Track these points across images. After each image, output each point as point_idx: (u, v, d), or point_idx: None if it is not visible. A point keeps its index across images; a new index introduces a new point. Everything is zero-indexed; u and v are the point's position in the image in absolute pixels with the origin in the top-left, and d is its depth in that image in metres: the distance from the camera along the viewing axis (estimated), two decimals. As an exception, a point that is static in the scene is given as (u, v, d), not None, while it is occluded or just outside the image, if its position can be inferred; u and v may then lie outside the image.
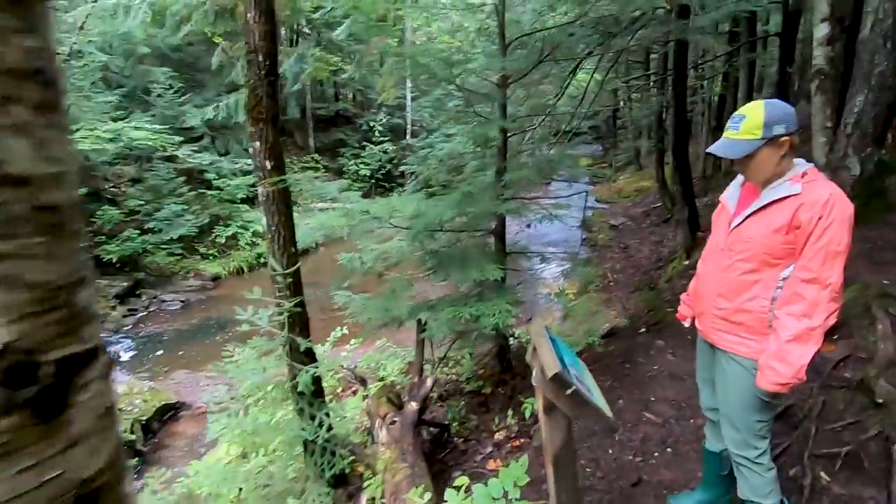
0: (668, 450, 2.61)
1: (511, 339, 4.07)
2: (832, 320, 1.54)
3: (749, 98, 9.14)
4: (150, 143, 10.68)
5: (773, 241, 1.58)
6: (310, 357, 2.84)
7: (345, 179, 17.82)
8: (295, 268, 2.70)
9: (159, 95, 12.26)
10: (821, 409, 2.54)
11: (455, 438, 3.42)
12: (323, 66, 5.00)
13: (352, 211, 3.13)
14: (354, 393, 5.39)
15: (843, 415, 2.48)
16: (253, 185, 15.17)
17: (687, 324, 2.10)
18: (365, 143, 18.29)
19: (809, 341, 1.52)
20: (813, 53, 3.87)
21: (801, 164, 1.65)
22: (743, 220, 1.68)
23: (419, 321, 3.46)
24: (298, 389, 2.69)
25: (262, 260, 11.27)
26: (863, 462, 2.21)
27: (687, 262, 6.13)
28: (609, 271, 9.45)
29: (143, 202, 10.74)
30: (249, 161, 15.39)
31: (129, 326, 8.97)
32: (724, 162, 9.41)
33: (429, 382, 3.12)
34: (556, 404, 1.76)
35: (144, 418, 5.92)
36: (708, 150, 1.68)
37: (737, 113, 1.67)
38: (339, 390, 4.97)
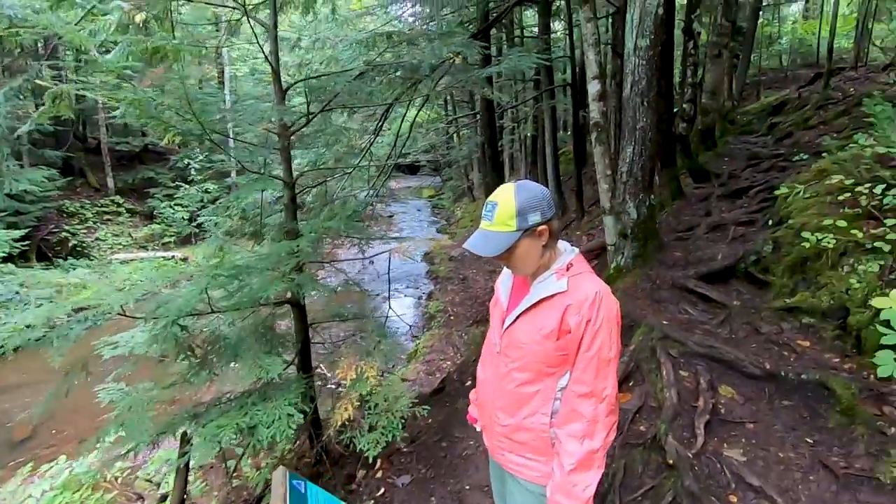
0: (482, 558, 2.28)
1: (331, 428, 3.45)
2: (612, 437, 1.41)
3: (555, 138, 10.08)
4: None
5: (547, 348, 1.39)
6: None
7: (157, 224, 15.42)
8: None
9: None
10: (623, 475, 2.47)
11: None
12: (67, 103, 3.87)
13: (63, 303, 2.27)
14: (133, 516, 4.22)
15: (643, 479, 2.43)
16: (23, 238, 12.18)
17: (478, 428, 1.81)
18: (181, 182, 16.11)
19: (593, 466, 1.37)
20: (589, 108, 4.19)
21: (566, 253, 1.47)
22: (515, 320, 1.46)
23: (184, 435, 2.69)
24: None
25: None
26: (662, 536, 2.14)
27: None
28: (449, 305, 9.53)
29: None
30: (20, 205, 12.38)
31: None
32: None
33: (188, 529, 2.36)
34: None
35: None
36: (464, 245, 1.41)
37: (490, 199, 1.41)
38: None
